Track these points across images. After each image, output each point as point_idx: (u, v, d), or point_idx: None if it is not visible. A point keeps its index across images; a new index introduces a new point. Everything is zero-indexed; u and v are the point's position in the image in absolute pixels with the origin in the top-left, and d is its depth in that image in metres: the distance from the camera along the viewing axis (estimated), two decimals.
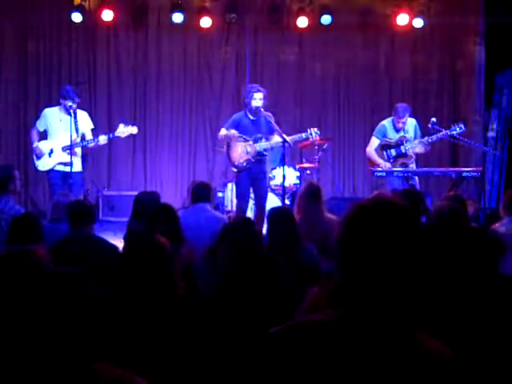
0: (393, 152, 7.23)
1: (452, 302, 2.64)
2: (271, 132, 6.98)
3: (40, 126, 7.34)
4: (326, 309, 1.51)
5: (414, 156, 7.25)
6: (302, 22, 9.52)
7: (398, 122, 7.25)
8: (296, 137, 7.02)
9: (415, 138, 7.32)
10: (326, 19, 9.42)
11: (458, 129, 7.16)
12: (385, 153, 7.28)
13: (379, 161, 7.33)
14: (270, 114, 6.94)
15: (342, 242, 1.49)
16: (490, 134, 9.25)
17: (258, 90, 6.93)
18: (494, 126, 9.45)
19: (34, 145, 7.28)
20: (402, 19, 9.48)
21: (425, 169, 7.27)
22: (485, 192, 8.14)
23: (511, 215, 4.82)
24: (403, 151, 7.21)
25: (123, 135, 7.26)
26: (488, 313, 2.57)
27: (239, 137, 6.96)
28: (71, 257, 3.81)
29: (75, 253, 3.86)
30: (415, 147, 7.22)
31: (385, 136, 7.33)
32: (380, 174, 7.30)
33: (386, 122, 7.41)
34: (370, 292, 1.45)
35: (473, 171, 7.20)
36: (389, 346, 1.42)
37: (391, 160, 7.25)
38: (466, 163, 8.76)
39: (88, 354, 1.68)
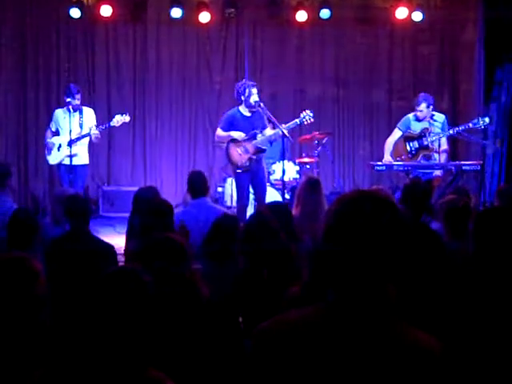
0: (415, 144, 7.24)
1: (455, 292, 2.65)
2: (264, 127, 6.97)
3: (52, 125, 7.82)
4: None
5: (435, 148, 7.23)
6: (301, 16, 9.50)
7: (416, 111, 7.24)
8: (290, 124, 6.93)
9: (442, 133, 7.26)
10: (325, 13, 9.41)
11: (481, 122, 7.13)
12: (407, 144, 7.29)
13: (386, 155, 7.35)
14: (262, 105, 6.87)
15: (326, 236, 1.50)
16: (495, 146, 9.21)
17: (254, 85, 6.94)
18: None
19: (47, 140, 7.75)
20: (401, 13, 9.46)
21: (425, 162, 7.27)
22: (485, 185, 8.15)
23: None
24: (425, 143, 7.21)
25: (117, 124, 7.67)
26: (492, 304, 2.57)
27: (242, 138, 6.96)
28: (67, 256, 3.82)
29: (71, 252, 3.86)
30: (440, 141, 7.21)
31: (408, 128, 7.33)
32: (380, 168, 7.32)
33: (411, 115, 7.42)
34: (356, 285, 1.46)
35: (473, 164, 7.20)
36: (376, 340, 1.42)
37: (413, 151, 7.26)
38: (466, 156, 8.76)
39: (143, 359, 1.74)
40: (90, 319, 1.72)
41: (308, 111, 7.00)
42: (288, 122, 6.97)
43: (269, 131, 6.94)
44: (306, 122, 7.07)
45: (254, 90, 6.87)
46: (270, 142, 7.02)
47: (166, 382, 1.75)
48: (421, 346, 1.43)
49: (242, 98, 6.88)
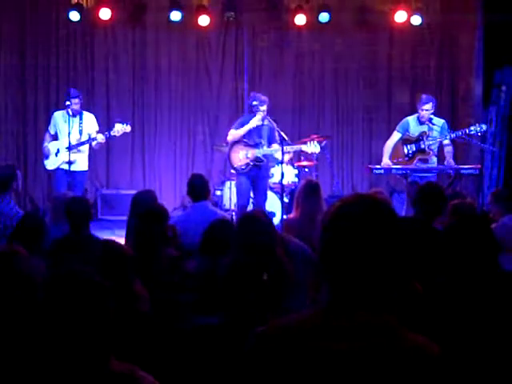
0: (412, 147, 7.26)
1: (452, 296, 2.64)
2: (272, 141, 7.09)
3: (51, 128, 7.68)
4: None
5: (432, 152, 7.24)
6: (300, 19, 9.51)
7: (422, 110, 7.22)
8: (296, 147, 7.14)
9: (440, 137, 7.27)
10: (324, 17, 9.42)
11: (478, 128, 7.13)
12: (405, 147, 7.30)
13: (385, 158, 7.36)
14: (274, 125, 7.01)
15: (321, 241, 1.49)
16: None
17: (265, 103, 7.03)
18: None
19: (44, 145, 7.60)
20: (400, 16, 9.47)
21: (423, 166, 7.27)
22: (483, 189, 8.13)
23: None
24: (422, 147, 7.22)
25: (118, 134, 7.49)
26: (487, 308, 2.57)
27: (243, 140, 7.08)
28: (69, 257, 3.82)
29: (73, 253, 3.86)
30: (441, 143, 7.23)
31: (407, 131, 7.33)
32: (378, 171, 7.33)
33: (410, 118, 7.43)
34: (354, 289, 1.45)
35: (471, 168, 7.21)
36: (374, 344, 1.42)
37: (410, 154, 7.27)
38: (465, 160, 8.77)
39: (105, 351, 1.73)
40: (49, 317, 1.72)
41: (315, 142, 7.16)
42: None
43: (274, 146, 7.06)
44: (309, 151, 7.20)
45: (264, 107, 6.99)
46: (271, 155, 7.17)
47: (135, 373, 1.73)
48: (419, 350, 1.42)
49: (253, 109, 7.02)
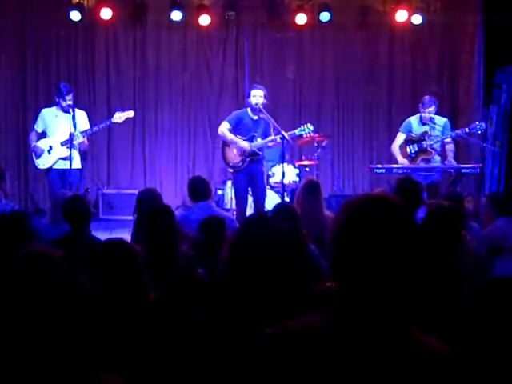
0: (415, 147, 7.27)
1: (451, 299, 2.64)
2: (268, 135, 7.00)
3: (38, 126, 7.31)
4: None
5: (434, 151, 7.25)
6: (301, 19, 9.51)
7: (424, 113, 7.24)
8: (289, 133, 6.88)
9: (443, 136, 7.28)
10: (324, 16, 9.42)
11: (478, 127, 7.14)
12: (408, 147, 7.32)
13: (399, 158, 7.36)
14: (261, 108, 6.92)
15: (334, 243, 1.48)
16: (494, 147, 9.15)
17: (257, 88, 6.97)
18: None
19: (32, 144, 7.24)
20: (401, 16, 9.48)
21: (424, 165, 7.28)
22: (484, 188, 8.13)
23: (506, 215, 4.78)
24: (424, 146, 7.23)
25: (120, 120, 7.21)
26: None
27: (236, 136, 7.01)
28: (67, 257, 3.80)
29: (71, 253, 3.85)
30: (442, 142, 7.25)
31: (410, 131, 7.36)
32: (379, 171, 7.33)
33: (413, 118, 7.44)
34: (365, 292, 1.44)
35: (472, 167, 7.21)
36: (386, 347, 1.41)
37: (413, 155, 7.28)
38: (466, 159, 8.76)
39: (92, 362, 1.66)
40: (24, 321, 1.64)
41: (309, 124, 7.09)
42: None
43: (269, 138, 6.99)
44: (304, 135, 7.14)
45: (255, 92, 6.91)
46: (267, 146, 7.08)
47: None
48: (432, 352, 1.41)
49: (249, 100, 6.95)
